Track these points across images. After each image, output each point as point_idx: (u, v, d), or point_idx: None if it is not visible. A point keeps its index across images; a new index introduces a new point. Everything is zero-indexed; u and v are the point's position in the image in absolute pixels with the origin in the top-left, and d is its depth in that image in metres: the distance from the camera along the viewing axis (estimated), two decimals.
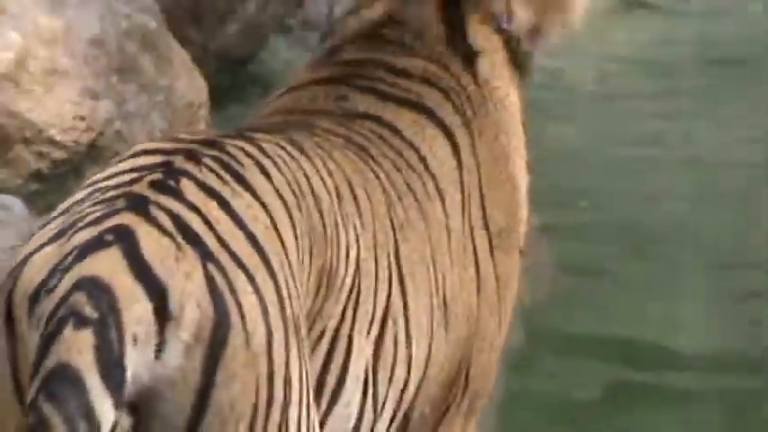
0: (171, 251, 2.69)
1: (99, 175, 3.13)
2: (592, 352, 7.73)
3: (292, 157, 3.36)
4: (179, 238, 2.76)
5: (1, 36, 6.77)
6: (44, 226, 3.01)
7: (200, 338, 2.70)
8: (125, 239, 2.73)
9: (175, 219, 2.84)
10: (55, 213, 3.01)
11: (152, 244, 2.70)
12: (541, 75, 10.88)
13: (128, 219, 2.80)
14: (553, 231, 7.48)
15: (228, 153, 3.25)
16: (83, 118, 6.73)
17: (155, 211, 2.86)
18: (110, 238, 2.72)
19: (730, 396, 7.20)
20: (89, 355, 2.62)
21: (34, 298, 2.78)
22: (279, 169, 3.31)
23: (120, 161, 3.17)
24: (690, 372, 7.57)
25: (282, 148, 3.40)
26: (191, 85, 8.18)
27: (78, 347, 2.63)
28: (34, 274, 2.85)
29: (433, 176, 3.85)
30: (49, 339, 2.68)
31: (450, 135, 3.93)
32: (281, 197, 3.17)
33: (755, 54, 15.21)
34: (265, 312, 2.87)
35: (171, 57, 8.04)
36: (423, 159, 3.86)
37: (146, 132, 6.95)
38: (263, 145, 3.43)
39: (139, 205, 2.87)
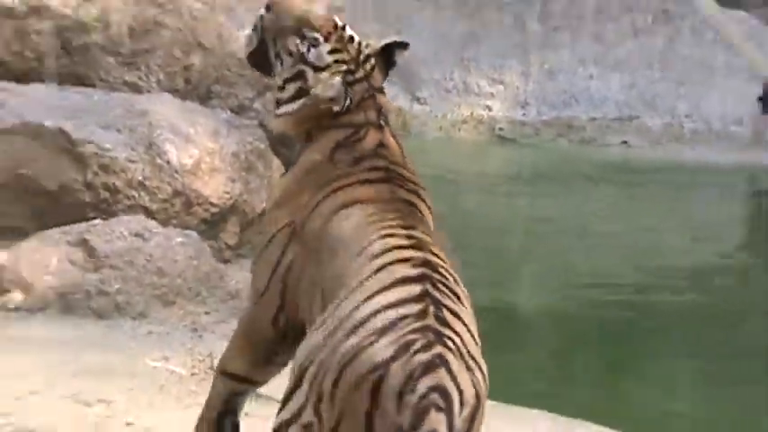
0: (462, 367, 3.90)
1: (385, 298, 4.18)
2: None
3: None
4: (459, 358, 3.95)
5: (187, 151, 9.66)
6: (384, 332, 4.04)
7: (472, 412, 3.97)
8: (445, 364, 3.91)
9: (454, 343, 3.99)
10: (384, 323, 4.06)
11: (455, 364, 3.89)
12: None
13: (441, 350, 3.95)
14: None
15: (441, 273, 4.34)
16: (227, 192, 9.91)
17: (448, 342, 4.01)
18: (437, 362, 3.89)
19: None
20: (444, 427, 3.92)
21: (400, 394, 3.93)
22: (455, 279, 4.35)
23: (388, 285, 4.17)
24: None
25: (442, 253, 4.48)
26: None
27: (439, 422, 3.88)
28: (397, 380, 3.97)
29: None
30: (421, 417, 3.91)
31: None
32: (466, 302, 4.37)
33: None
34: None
35: (271, 162, 10.77)
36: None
37: (259, 201, 10.04)
38: (444, 258, 4.50)
39: (441, 338, 3.99)
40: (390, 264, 4.37)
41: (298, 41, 4.85)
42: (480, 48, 17.71)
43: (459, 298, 4.28)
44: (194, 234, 9.55)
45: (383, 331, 4.10)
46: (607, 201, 14.67)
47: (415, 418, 3.96)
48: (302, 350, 4.38)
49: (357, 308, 4.23)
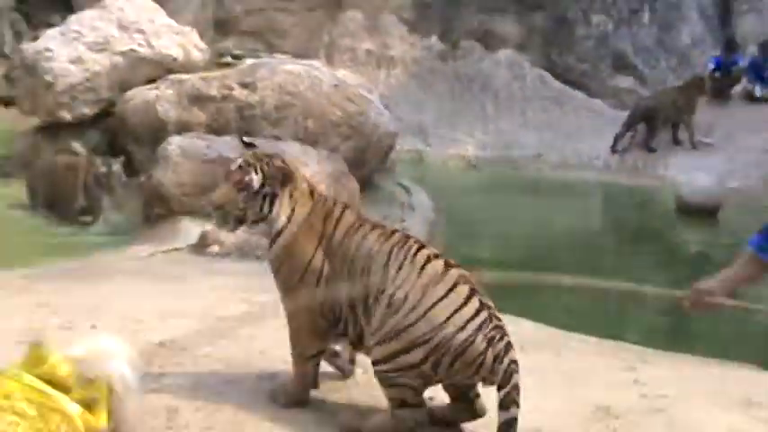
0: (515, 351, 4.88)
1: (467, 309, 5.10)
2: None
3: None
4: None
5: (309, 167, 9.77)
6: (478, 329, 5.05)
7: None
8: (511, 345, 4.97)
9: (506, 330, 5.01)
10: (468, 321, 5.06)
11: (512, 343, 4.90)
12: None
13: (507, 338, 5.00)
14: None
15: (472, 283, 5.24)
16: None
17: (506, 332, 5.02)
18: (509, 345, 4.96)
19: None
20: (519, 382, 4.90)
21: (496, 360, 4.90)
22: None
23: (464, 300, 5.14)
24: None
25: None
26: (352, 191, 11.83)
27: (518, 379, 4.80)
28: (491, 358, 5.00)
29: None
30: (509, 378, 4.87)
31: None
32: None
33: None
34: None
35: (349, 186, 11.68)
36: None
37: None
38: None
39: (503, 331, 5.04)
40: (453, 283, 5.26)
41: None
42: (462, 117, 18.98)
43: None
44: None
45: (477, 330, 5.08)
46: (517, 203, 15.12)
47: (504, 379, 4.98)
48: (418, 327, 5.15)
49: (458, 311, 5.13)
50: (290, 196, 5.56)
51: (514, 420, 4.93)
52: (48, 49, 13.86)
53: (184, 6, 17.42)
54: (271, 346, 6.43)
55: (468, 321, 5.04)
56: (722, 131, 17.74)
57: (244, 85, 12.87)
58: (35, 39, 15.10)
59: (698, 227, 13.31)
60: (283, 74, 13.29)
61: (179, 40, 14.11)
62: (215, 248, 10.44)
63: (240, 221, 5.68)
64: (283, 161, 5.66)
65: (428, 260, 5.30)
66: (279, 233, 5.58)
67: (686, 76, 18.82)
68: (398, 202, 13.56)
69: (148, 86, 13.34)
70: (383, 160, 14.23)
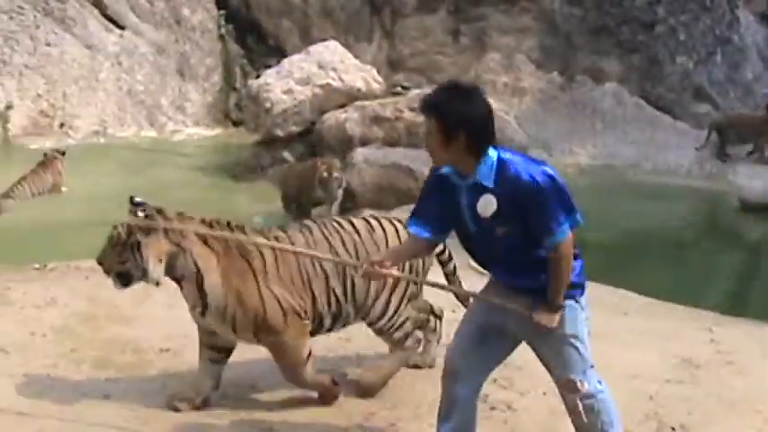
0: None
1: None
2: None
3: None
4: None
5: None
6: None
7: None
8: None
9: None
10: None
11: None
12: None
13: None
14: None
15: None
16: None
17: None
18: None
19: None
20: None
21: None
22: None
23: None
24: None
25: None
26: None
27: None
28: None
29: None
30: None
31: None
32: None
33: None
34: None
35: None
36: None
37: None
38: None
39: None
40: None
41: None
42: (576, 134, 18.13)
43: None
44: None
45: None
46: (620, 200, 14.62)
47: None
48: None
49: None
50: (157, 243, 4.64)
51: None
52: (267, 84, 14.37)
53: (366, 50, 17.67)
54: None
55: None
56: None
57: (411, 109, 12.80)
58: (257, 76, 15.64)
59: (755, 221, 13.00)
60: None
61: (362, 75, 14.28)
62: None
63: (125, 277, 4.72)
64: (156, 211, 4.71)
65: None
66: (204, 293, 4.75)
67: (750, 104, 18.58)
68: None
69: (340, 110, 13.55)
70: None
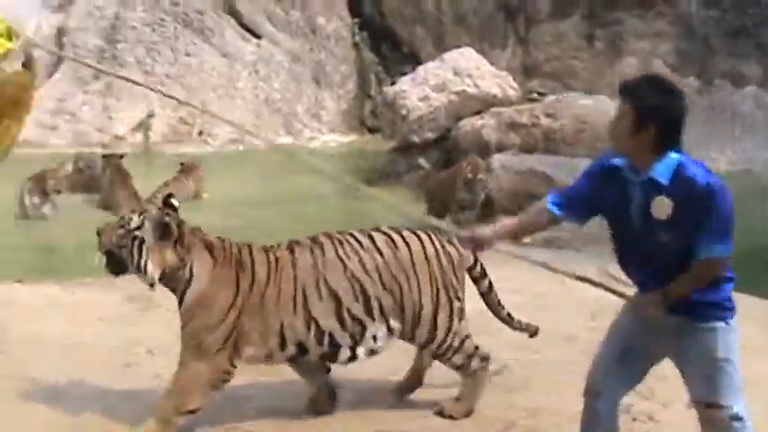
0: None
1: None
2: None
3: None
4: None
5: None
6: None
7: None
8: None
9: None
10: None
11: None
12: None
13: None
14: None
15: None
16: None
17: None
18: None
19: None
20: None
21: None
22: None
23: None
24: None
25: None
26: None
27: None
28: None
29: None
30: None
31: None
32: None
33: None
34: None
35: None
36: None
37: None
38: None
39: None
40: None
41: None
42: (715, 139, 17.59)
43: None
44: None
45: None
46: (760, 202, 13.67)
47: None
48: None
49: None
50: (164, 253, 4.52)
51: None
52: (403, 91, 14.41)
53: (500, 56, 17.60)
54: None
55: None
56: None
57: (548, 115, 12.89)
58: (393, 84, 15.67)
59: None
60: (578, 106, 13.24)
61: (498, 81, 14.20)
62: (526, 240, 9.55)
63: (117, 263, 4.64)
64: (176, 224, 4.59)
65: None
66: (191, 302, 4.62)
67: None
68: None
69: (476, 117, 13.53)
70: None
